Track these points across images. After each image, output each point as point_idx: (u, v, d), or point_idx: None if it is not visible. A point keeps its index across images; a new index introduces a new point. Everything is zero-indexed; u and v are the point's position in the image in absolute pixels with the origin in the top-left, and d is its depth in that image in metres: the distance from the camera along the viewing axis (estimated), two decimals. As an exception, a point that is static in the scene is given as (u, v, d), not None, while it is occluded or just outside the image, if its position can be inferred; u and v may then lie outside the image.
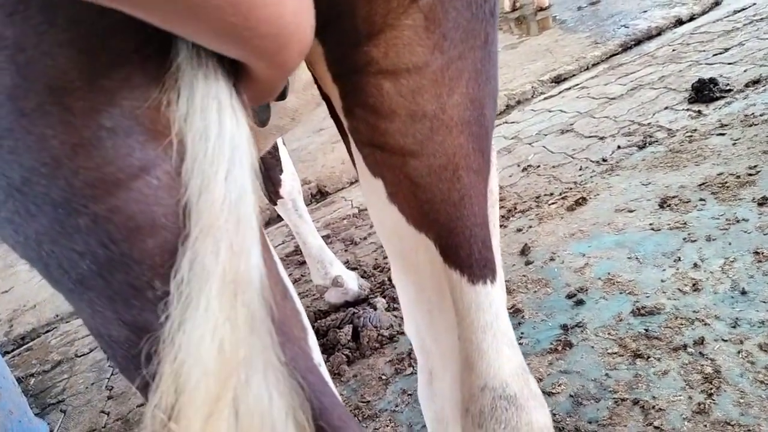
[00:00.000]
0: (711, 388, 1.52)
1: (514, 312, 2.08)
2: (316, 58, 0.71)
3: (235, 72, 0.55)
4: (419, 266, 0.79)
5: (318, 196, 4.09)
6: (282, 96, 0.84)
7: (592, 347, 1.80)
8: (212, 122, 0.50)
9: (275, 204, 2.47)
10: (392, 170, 0.73)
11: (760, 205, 2.07)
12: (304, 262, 3.02)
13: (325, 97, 0.80)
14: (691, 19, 4.60)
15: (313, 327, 2.42)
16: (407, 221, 0.76)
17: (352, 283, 2.51)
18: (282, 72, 0.58)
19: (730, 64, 3.35)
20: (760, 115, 2.64)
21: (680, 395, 1.55)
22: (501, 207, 2.85)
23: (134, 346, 0.55)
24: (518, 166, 3.24)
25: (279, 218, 3.31)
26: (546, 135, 3.50)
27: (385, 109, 0.68)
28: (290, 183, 2.44)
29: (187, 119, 0.50)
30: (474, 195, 0.72)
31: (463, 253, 0.74)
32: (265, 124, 1.23)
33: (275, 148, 2.32)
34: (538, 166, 3.13)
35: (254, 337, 0.52)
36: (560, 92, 4.17)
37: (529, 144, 3.48)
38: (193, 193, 0.50)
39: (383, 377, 2.06)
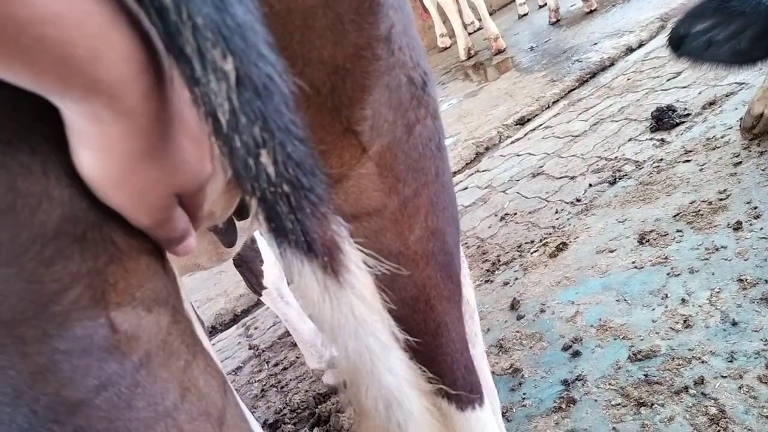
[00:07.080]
0: (719, 430, 1.51)
1: (514, 371, 2.06)
2: None
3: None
4: None
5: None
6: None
7: (595, 401, 1.79)
8: None
9: (260, 295, 2.46)
10: None
11: (735, 230, 2.09)
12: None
13: None
14: (641, 45, 4.74)
15: (314, 413, 2.38)
16: None
17: (349, 361, 2.48)
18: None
19: (684, 87, 3.44)
20: (721, 137, 2.70)
21: (690, 442, 1.53)
22: (485, 261, 2.86)
23: None
24: (495, 215, 3.27)
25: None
26: (518, 180, 3.54)
27: None
28: (273, 271, 2.43)
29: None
30: (450, 321, 0.74)
31: (447, 381, 0.74)
32: (233, 245, 1.23)
33: (252, 240, 2.32)
34: (515, 214, 3.16)
35: None
36: (526, 134, 4.24)
37: (503, 191, 3.51)
38: None
39: (392, 459, 2.02)
